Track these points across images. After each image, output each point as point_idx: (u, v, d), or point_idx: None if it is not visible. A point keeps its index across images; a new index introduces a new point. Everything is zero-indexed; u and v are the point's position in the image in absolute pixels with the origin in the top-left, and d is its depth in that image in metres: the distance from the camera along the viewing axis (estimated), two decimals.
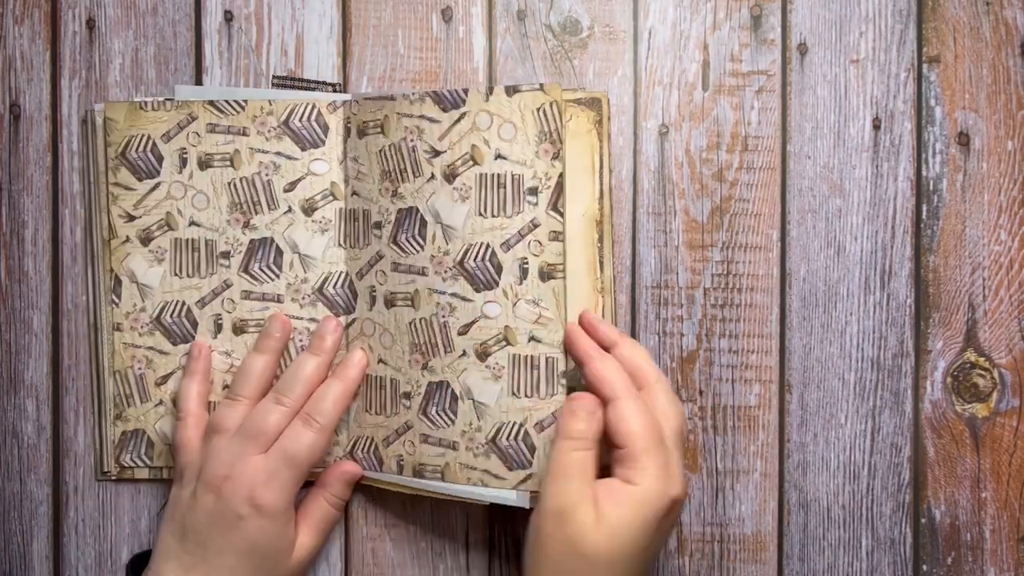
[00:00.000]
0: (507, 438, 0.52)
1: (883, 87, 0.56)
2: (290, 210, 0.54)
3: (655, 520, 0.46)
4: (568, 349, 0.51)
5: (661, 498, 0.46)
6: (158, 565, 0.51)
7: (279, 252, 0.55)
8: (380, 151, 0.54)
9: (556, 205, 0.52)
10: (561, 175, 0.51)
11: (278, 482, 0.50)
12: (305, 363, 0.53)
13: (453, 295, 0.52)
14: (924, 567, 0.56)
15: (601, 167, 0.55)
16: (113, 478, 0.56)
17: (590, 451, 0.47)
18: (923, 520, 0.56)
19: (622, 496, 0.46)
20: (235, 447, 0.51)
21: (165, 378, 0.55)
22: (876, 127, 0.56)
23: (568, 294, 0.52)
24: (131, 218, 0.55)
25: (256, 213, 0.55)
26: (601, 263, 0.55)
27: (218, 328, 0.55)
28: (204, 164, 0.54)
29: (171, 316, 0.55)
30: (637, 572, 0.47)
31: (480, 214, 0.52)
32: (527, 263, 0.52)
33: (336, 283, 0.55)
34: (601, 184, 0.55)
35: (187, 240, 0.55)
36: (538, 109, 0.51)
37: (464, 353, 0.52)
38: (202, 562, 0.50)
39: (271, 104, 0.54)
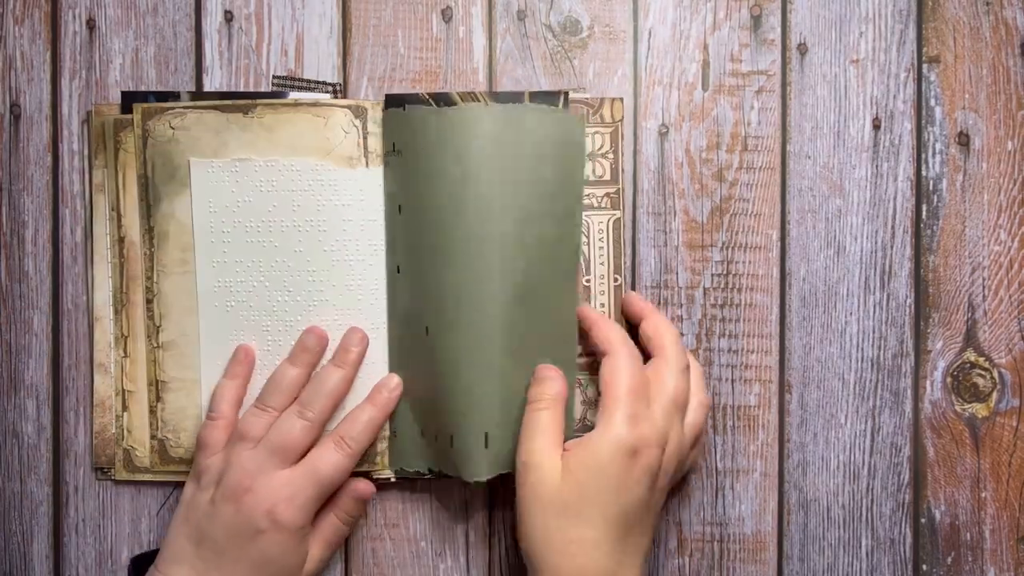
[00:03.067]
0: None
1: (883, 87, 0.56)
2: None
3: (610, 463, 0.48)
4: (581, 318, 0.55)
5: (615, 442, 0.48)
6: (168, 567, 0.51)
7: None
8: None
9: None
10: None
11: (301, 499, 0.51)
12: (329, 376, 0.53)
13: None
14: (924, 567, 0.56)
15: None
16: (113, 478, 0.56)
17: (550, 410, 0.51)
18: (923, 520, 0.56)
19: (581, 441, 0.49)
20: (259, 459, 0.51)
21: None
22: (876, 127, 0.56)
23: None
24: None
25: None
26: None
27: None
28: None
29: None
30: (607, 520, 0.48)
31: None
32: None
33: None
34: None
35: None
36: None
37: None
38: (216, 569, 0.50)
39: None
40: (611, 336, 0.52)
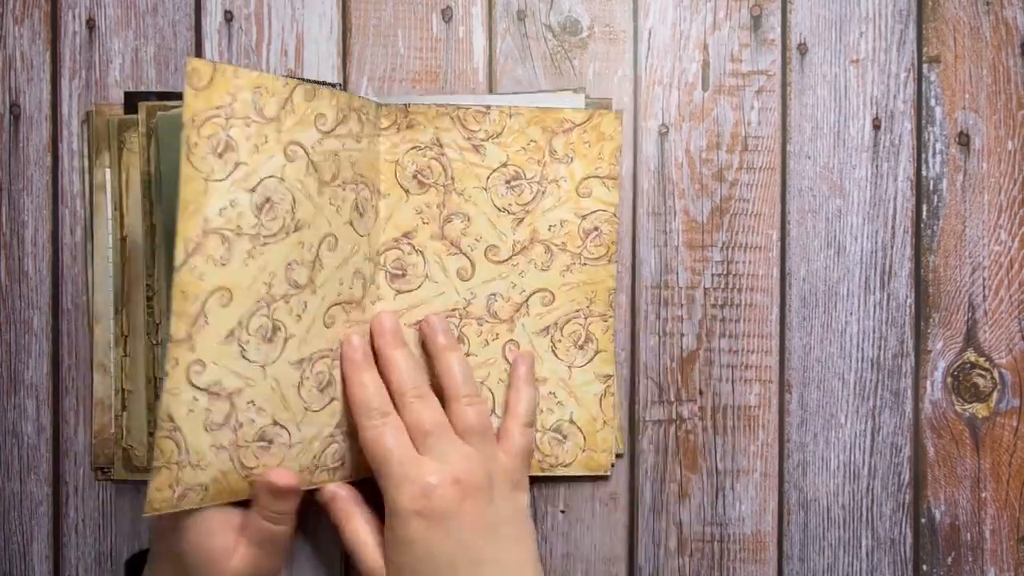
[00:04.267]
0: None
1: (883, 87, 0.56)
2: None
3: (416, 536, 0.48)
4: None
5: (403, 515, 0.48)
6: (159, 565, 0.51)
7: None
8: None
9: None
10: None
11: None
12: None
13: None
14: (924, 567, 0.56)
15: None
16: (113, 477, 0.56)
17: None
18: (923, 520, 0.56)
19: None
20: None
21: None
22: (876, 127, 0.56)
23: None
24: None
25: None
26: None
27: None
28: None
29: None
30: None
31: None
32: None
33: None
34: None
35: None
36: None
37: None
38: (159, 564, 0.50)
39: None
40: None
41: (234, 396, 0.47)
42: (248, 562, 0.48)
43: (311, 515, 0.56)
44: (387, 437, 0.49)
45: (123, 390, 0.56)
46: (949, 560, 0.56)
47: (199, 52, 0.56)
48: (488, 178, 0.54)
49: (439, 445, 0.49)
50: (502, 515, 0.50)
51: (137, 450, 0.56)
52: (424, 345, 0.53)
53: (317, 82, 0.56)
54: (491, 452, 0.51)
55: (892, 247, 0.56)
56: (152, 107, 0.55)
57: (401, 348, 0.51)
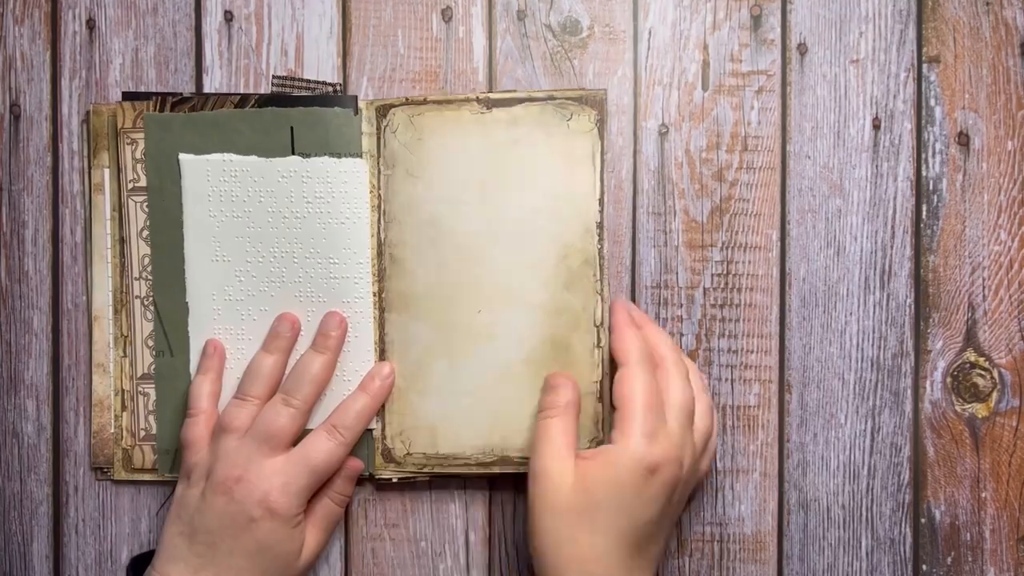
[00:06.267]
0: None
1: (883, 87, 0.56)
2: None
3: (629, 480, 0.47)
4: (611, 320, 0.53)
5: (635, 459, 0.47)
6: (164, 566, 0.51)
7: None
8: None
9: None
10: None
11: (294, 487, 0.51)
12: (311, 362, 0.53)
13: None
14: (924, 567, 0.56)
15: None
16: (112, 477, 0.56)
17: (561, 417, 0.50)
18: (923, 520, 0.56)
19: (599, 454, 0.48)
20: (248, 448, 0.51)
21: None
22: (876, 127, 0.56)
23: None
24: None
25: None
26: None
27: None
28: None
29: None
30: (620, 533, 0.47)
31: None
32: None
33: None
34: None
35: None
36: None
37: None
38: (211, 563, 0.50)
39: None
40: (630, 347, 0.51)
41: None
42: (315, 549, 0.53)
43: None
44: (647, 382, 0.50)
45: (122, 390, 0.56)
46: (949, 560, 0.56)
47: (199, 52, 0.56)
48: None
49: (671, 423, 0.50)
50: (676, 513, 0.52)
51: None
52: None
53: (317, 82, 0.56)
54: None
55: (892, 247, 0.56)
56: (151, 106, 0.55)
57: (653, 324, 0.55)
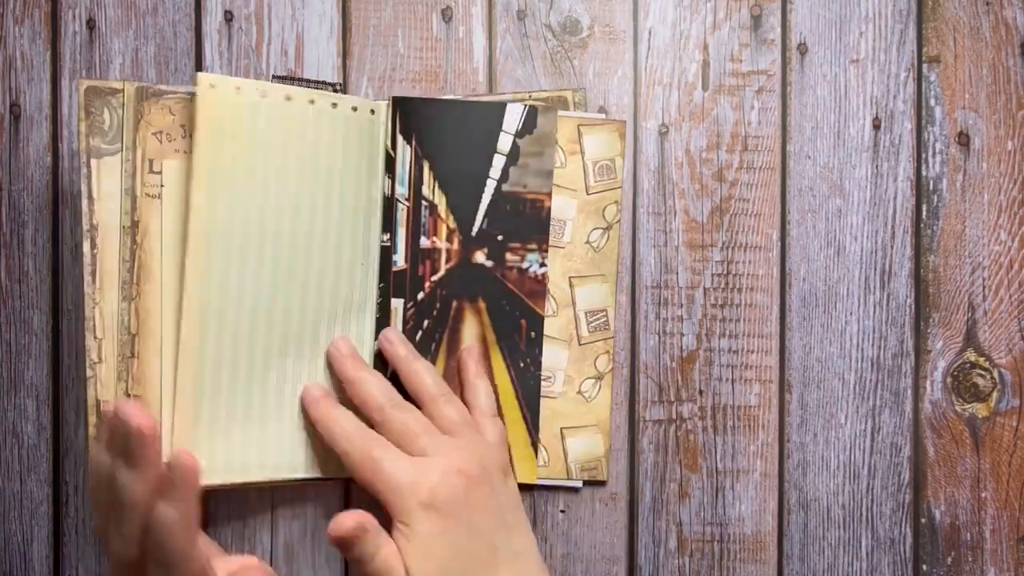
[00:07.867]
0: None
1: (883, 87, 0.56)
2: None
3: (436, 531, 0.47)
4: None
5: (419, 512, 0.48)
6: None
7: None
8: None
9: None
10: None
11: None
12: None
13: None
14: (924, 567, 0.56)
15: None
16: None
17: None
18: (923, 520, 0.56)
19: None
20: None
21: None
22: (876, 127, 0.56)
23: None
24: None
25: None
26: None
27: None
28: None
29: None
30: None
31: None
32: None
33: None
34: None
35: None
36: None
37: None
38: None
39: None
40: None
41: None
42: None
43: (311, 515, 0.56)
44: (375, 451, 0.49)
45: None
46: (949, 560, 0.56)
47: (199, 52, 0.56)
48: None
49: (432, 442, 0.49)
50: (502, 502, 0.50)
51: None
52: (385, 360, 0.54)
53: (317, 82, 0.56)
54: (479, 442, 0.51)
55: (892, 247, 0.56)
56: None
57: (364, 368, 0.52)
